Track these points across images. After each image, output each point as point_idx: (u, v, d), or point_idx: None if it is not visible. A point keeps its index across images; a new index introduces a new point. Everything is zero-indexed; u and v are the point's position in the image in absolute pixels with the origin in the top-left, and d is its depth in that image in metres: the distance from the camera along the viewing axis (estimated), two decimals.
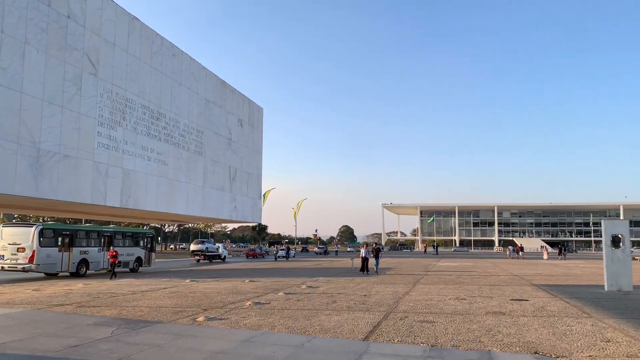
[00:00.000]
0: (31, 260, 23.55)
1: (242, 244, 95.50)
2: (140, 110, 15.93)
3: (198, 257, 46.74)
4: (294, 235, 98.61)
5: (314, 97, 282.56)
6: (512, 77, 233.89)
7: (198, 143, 16.72)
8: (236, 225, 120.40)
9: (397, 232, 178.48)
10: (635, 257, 63.83)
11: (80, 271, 26.30)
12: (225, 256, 48.80)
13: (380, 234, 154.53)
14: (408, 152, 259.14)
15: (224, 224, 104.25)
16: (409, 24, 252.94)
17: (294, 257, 65.92)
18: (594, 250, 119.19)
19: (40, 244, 23.99)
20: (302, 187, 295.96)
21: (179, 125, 16.57)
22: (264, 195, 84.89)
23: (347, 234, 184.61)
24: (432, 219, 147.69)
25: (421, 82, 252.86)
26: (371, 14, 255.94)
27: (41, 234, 24.32)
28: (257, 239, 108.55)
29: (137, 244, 32.05)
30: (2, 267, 24.22)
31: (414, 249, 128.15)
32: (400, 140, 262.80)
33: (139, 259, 31.44)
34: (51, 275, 25.64)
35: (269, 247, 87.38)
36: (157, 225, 63.94)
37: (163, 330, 9.70)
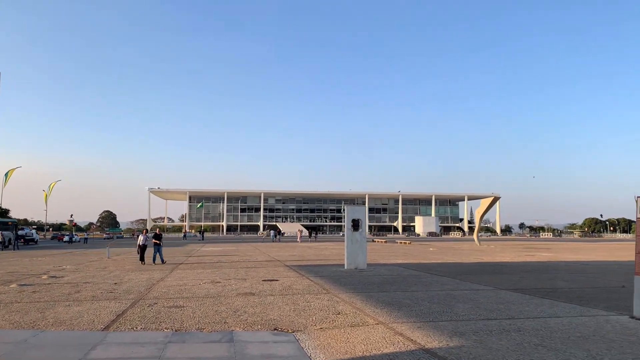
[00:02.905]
0: None
1: None
2: None
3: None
4: (44, 220, 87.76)
5: (66, 76, 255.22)
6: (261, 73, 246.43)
7: None
8: None
9: (164, 218, 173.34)
10: (375, 240, 73.83)
11: None
12: (37, 239, 57.02)
13: (146, 220, 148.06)
14: (173, 139, 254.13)
15: None
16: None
17: (84, 242, 68.42)
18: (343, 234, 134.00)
19: None
20: (58, 169, 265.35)
21: None
22: (5, 174, 73.83)
23: (108, 220, 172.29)
24: (201, 204, 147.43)
25: (186, 66, 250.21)
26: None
27: None
28: None
29: (9, 229, 46.47)
30: None
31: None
32: (164, 127, 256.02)
33: (10, 240, 44.98)
34: None
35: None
36: None
37: None
